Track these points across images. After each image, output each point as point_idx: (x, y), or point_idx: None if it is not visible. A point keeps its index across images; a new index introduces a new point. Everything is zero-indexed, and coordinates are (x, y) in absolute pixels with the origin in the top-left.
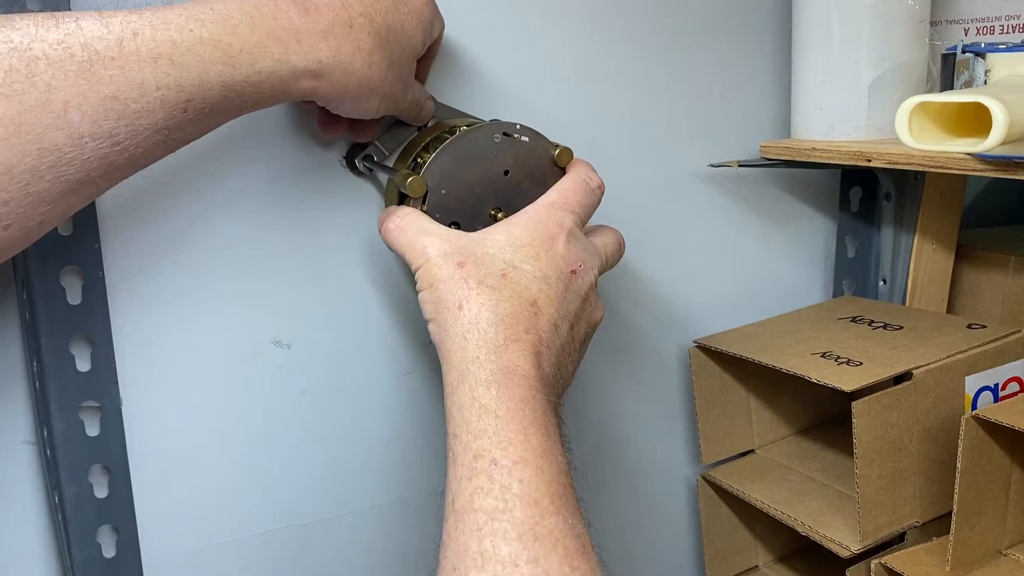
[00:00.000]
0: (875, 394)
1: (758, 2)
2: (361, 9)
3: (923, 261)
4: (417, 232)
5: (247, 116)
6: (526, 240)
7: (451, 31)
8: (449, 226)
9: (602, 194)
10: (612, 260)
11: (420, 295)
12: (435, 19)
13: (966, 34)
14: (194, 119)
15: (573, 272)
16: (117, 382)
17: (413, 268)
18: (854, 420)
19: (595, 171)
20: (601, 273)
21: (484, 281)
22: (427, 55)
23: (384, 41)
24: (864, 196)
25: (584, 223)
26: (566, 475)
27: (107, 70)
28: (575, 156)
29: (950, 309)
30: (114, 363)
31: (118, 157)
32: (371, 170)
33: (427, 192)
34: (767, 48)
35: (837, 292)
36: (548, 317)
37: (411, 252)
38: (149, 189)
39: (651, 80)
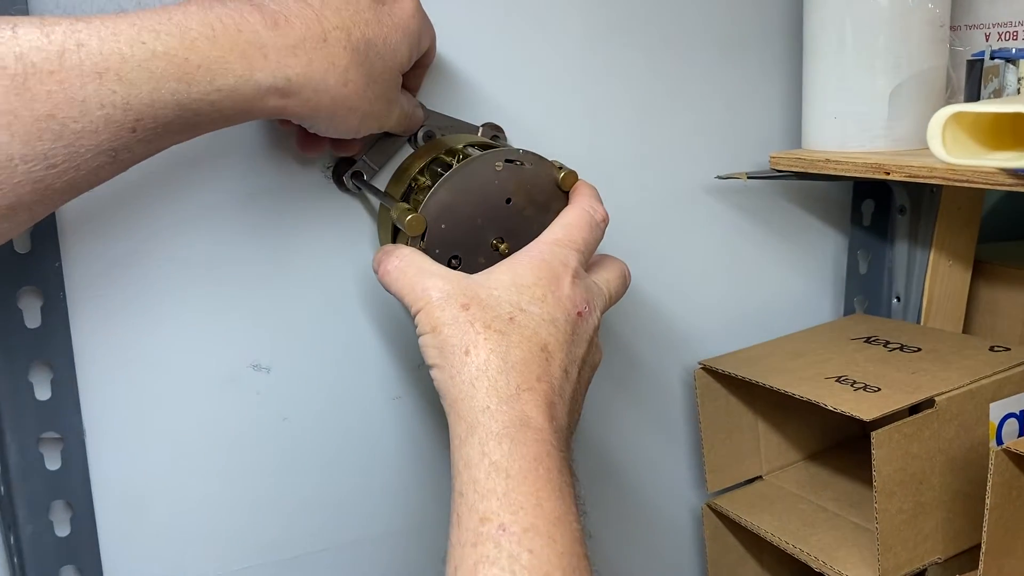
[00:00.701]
0: (896, 423)
1: (766, 6)
2: (337, 22)
3: (939, 277)
4: (417, 273)
5: None
6: (531, 280)
7: (444, 39)
8: (449, 260)
9: (606, 226)
10: (616, 296)
11: (421, 339)
12: (424, 31)
13: (987, 39)
14: (144, 139)
15: (579, 314)
16: (80, 411)
17: (413, 311)
18: (874, 451)
19: (600, 201)
20: (604, 312)
21: (491, 325)
22: (419, 65)
23: (363, 56)
24: (877, 209)
25: (588, 260)
26: (580, 544)
27: (44, 85)
28: (578, 176)
29: (966, 328)
30: (76, 391)
31: (56, 181)
32: (360, 188)
33: (426, 229)
34: (776, 54)
35: (848, 310)
36: (559, 363)
37: (411, 295)
38: (115, 201)
39: (653, 88)
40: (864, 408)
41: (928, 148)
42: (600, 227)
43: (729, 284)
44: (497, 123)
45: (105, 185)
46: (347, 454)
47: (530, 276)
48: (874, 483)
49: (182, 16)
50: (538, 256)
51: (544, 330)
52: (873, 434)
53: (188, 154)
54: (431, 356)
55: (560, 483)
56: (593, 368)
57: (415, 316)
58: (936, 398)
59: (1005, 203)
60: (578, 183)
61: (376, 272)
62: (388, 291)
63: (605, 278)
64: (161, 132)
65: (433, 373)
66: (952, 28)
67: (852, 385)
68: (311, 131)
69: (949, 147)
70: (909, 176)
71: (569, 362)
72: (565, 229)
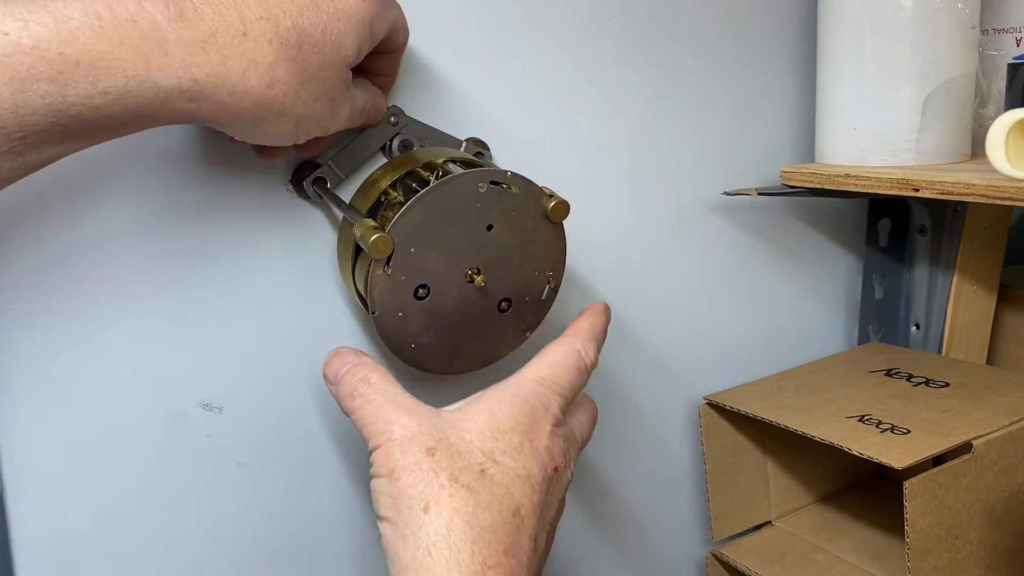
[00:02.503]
0: (931, 471)
1: (775, 7)
2: (262, 11)
3: (962, 303)
4: (383, 403)
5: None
6: (509, 424)
7: (427, 42)
8: (416, 290)
9: (591, 373)
10: (585, 443)
11: (373, 483)
12: (377, 16)
13: (1018, 44)
14: (13, 152)
15: (556, 469)
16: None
17: (370, 447)
18: (906, 503)
19: (597, 341)
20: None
21: (459, 477)
22: (385, 49)
23: (295, 51)
24: (894, 229)
25: (568, 407)
26: None
27: None
28: (570, 207)
29: (990, 358)
30: None
31: None
32: (322, 197)
33: (392, 252)
34: (786, 59)
35: (863, 338)
36: (530, 531)
37: (372, 426)
38: (32, 207)
39: (654, 96)
40: (894, 454)
41: (958, 162)
42: (587, 373)
43: (735, 310)
44: (482, 137)
45: (17, 188)
46: (312, 504)
47: (508, 420)
48: (907, 538)
49: (62, 2)
50: (519, 395)
51: (518, 489)
52: (907, 484)
53: (120, 151)
54: (383, 506)
55: None
56: (555, 530)
57: (371, 453)
58: (973, 442)
59: None
60: (586, 311)
61: (330, 384)
62: (343, 411)
63: (579, 421)
64: (33, 143)
65: (382, 528)
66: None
67: (878, 426)
68: (239, 139)
69: (1012, 160)
70: (941, 193)
71: (539, 529)
72: (551, 368)
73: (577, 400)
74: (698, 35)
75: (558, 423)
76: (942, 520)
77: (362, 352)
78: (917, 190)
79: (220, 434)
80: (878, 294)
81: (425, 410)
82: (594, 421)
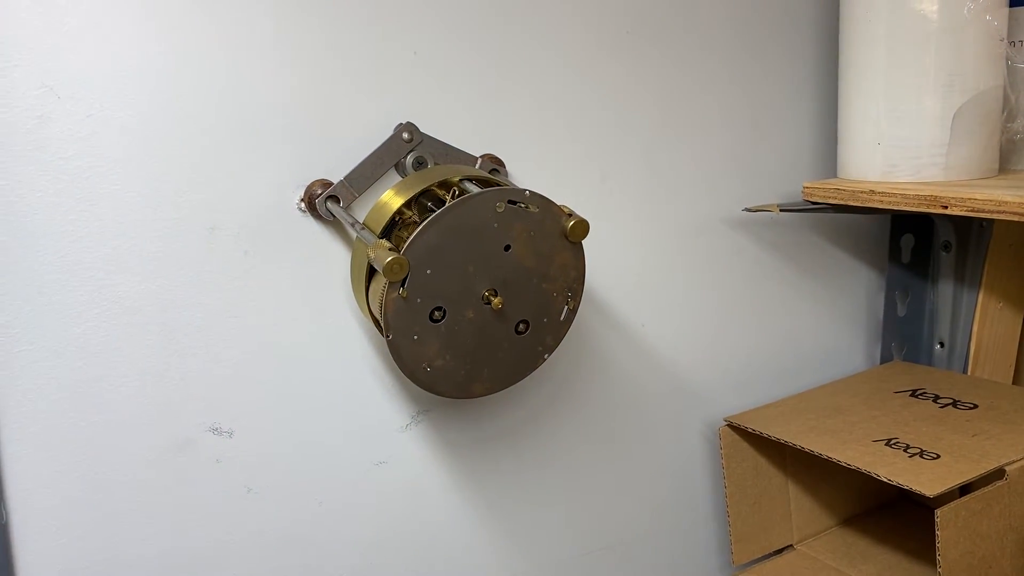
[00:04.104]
0: (963, 499)
1: (795, 19)
2: None
3: (988, 321)
4: None
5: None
6: None
7: (441, 57)
8: (431, 313)
9: None
10: None
11: None
12: None
13: None
14: None
15: None
16: (2, 489)
17: None
18: (938, 532)
19: None
20: None
21: None
22: None
23: None
24: (917, 245)
25: None
26: None
27: None
28: (589, 226)
29: (1017, 378)
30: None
31: None
32: (335, 215)
33: (408, 274)
34: (807, 71)
35: (885, 356)
36: None
37: None
38: (51, 224)
39: (671, 108)
40: (925, 481)
41: (985, 177)
42: None
43: (754, 327)
44: (497, 153)
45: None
46: (323, 529)
47: None
48: (939, 569)
49: None
50: None
51: None
52: (939, 513)
53: (130, 175)
54: None
55: None
56: None
57: None
58: (1006, 468)
59: None
60: None
61: None
62: None
63: None
64: None
65: None
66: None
67: (906, 450)
68: None
69: None
70: (972, 211)
71: None
72: None
73: None
74: (716, 47)
75: None
76: (975, 549)
77: None
78: (946, 207)
79: (230, 459)
80: (901, 311)
81: None
82: None
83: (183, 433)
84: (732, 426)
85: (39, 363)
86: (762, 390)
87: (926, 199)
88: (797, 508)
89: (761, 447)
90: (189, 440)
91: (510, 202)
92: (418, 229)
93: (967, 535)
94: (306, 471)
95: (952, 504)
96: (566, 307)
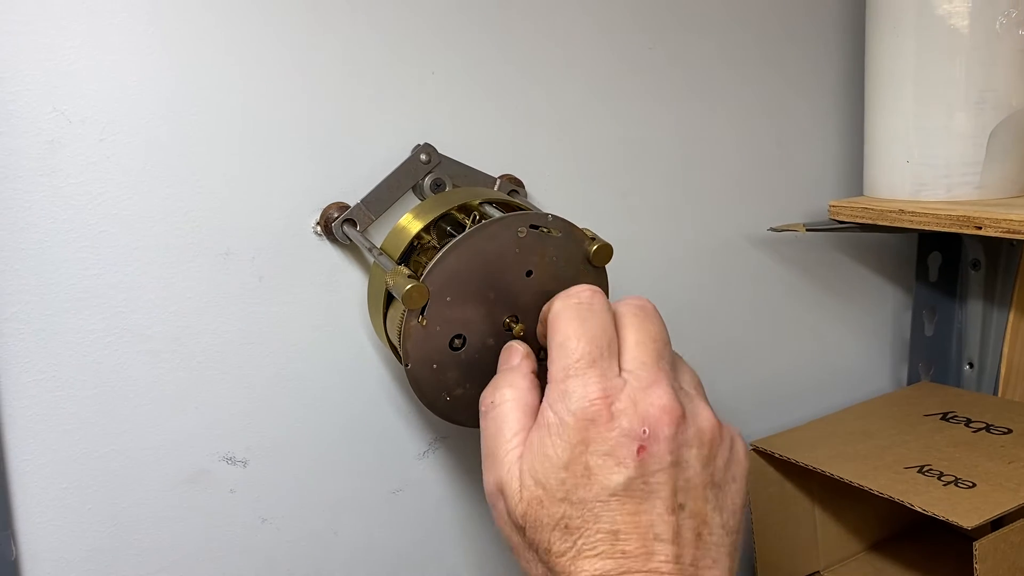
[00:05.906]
0: (1002, 530)
1: (821, 32)
2: None
3: (1020, 342)
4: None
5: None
6: None
7: (460, 76)
8: (452, 341)
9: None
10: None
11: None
12: None
13: None
14: None
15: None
16: (12, 522)
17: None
18: (976, 566)
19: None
20: None
21: None
22: None
23: None
24: (945, 263)
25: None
26: None
27: None
28: (613, 250)
29: None
30: (8, 493)
31: None
32: (351, 240)
33: (427, 302)
34: (833, 87)
35: (912, 377)
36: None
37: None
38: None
39: (694, 125)
40: (962, 512)
41: (1016, 196)
42: (587, 308)
43: (779, 348)
44: (516, 173)
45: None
46: (338, 560)
47: None
48: None
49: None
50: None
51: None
52: (977, 545)
53: (140, 204)
54: None
55: None
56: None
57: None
58: None
59: None
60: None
61: None
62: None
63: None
64: None
65: None
66: None
67: (940, 478)
68: None
69: None
70: (1008, 232)
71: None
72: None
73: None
74: (740, 62)
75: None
76: None
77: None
78: (980, 228)
79: (244, 489)
80: (928, 331)
81: None
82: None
83: (197, 463)
84: (758, 451)
85: (50, 393)
86: (787, 411)
87: (959, 219)
88: (824, 533)
89: (787, 472)
90: (203, 470)
91: (532, 227)
92: (438, 255)
93: (1006, 568)
94: (321, 500)
95: (991, 536)
96: None
